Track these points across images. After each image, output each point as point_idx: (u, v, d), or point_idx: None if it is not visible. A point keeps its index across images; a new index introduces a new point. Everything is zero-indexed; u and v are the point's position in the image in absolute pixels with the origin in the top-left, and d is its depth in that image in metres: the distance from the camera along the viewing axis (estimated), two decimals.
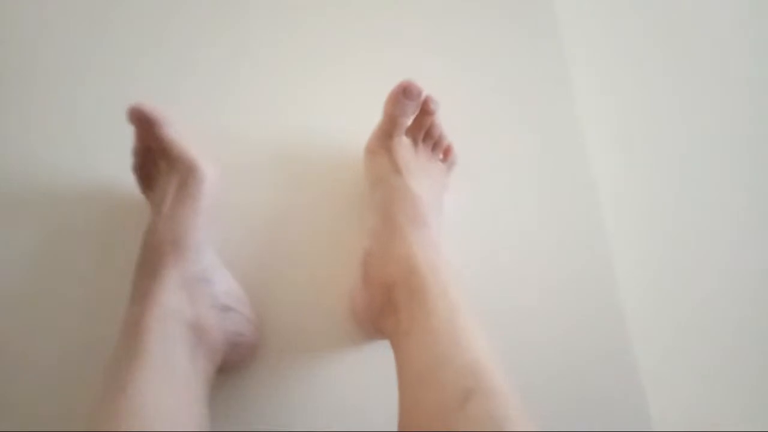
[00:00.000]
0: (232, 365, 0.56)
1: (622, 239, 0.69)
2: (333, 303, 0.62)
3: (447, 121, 0.61)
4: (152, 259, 0.50)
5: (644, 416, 0.62)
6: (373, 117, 0.60)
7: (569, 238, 0.67)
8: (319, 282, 0.63)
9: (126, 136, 0.56)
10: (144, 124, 0.53)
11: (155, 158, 0.56)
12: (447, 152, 0.62)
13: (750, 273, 0.73)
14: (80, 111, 0.68)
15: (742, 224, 0.75)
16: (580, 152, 0.70)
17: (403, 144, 0.58)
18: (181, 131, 0.55)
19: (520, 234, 0.67)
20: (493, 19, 0.74)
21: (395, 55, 0.72)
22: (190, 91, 0.69)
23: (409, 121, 0.58)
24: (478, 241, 0.66)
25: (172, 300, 0.48)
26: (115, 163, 0.64)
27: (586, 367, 0.63)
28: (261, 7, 0.73)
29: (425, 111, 0.57)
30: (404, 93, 0.53)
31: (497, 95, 0.72)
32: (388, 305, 0.51)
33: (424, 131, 0.60)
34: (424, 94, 0.55)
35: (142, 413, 0.41)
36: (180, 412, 0.44)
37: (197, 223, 0.52)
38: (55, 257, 0.62)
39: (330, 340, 0.61)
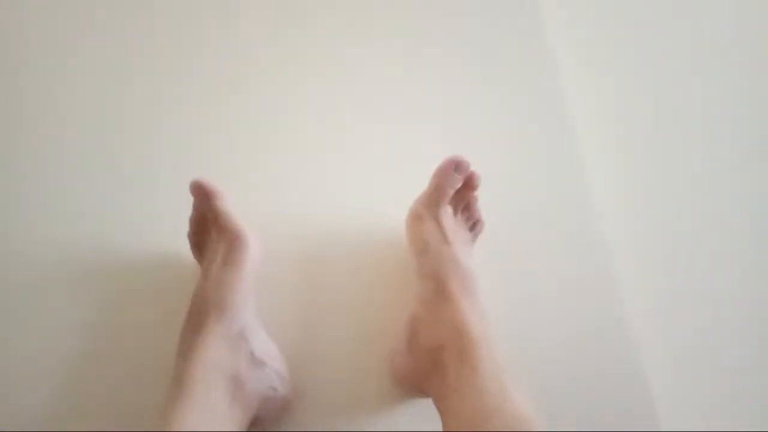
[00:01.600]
0: (266, 419, 0.60)
1: (623, 244, 0.73)
2: (370, 363, 0.66)
3: None
4: (197, 317, 0.57)
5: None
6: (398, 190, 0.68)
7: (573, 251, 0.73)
8: (356, 342, 0.67)
9: (177, 210, 0.65)
10: (202, 196, 0.61)
11: (208, 227, 0.63)
12: (477, 224, 0.67)
13: (761, 277, 0.73)
14: (137, 186, 0.76)
15: (750, 228, 0.76)
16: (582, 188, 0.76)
17: (448, 213, 0.63)
18: (232, 205, 0.62)
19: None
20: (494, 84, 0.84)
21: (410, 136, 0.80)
22: (236, 171, 0.77)
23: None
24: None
25: (213, 354, 0.54)
26: (170, 234, 0.70)
27: (595, 380, 0.66)
28: (287, 93, 0.83)
29: (469, 185, 0.63)
30: (455, 167, 0.60)
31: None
32: (435, 367, 0.55)
33: (464, 203, 0.65)
34: (471, 169, 0.61)
35: None
36: None
37: (239, 287, 0.57)
38: (114, 323, 0.67)
39: (366, 399, 0.65)
